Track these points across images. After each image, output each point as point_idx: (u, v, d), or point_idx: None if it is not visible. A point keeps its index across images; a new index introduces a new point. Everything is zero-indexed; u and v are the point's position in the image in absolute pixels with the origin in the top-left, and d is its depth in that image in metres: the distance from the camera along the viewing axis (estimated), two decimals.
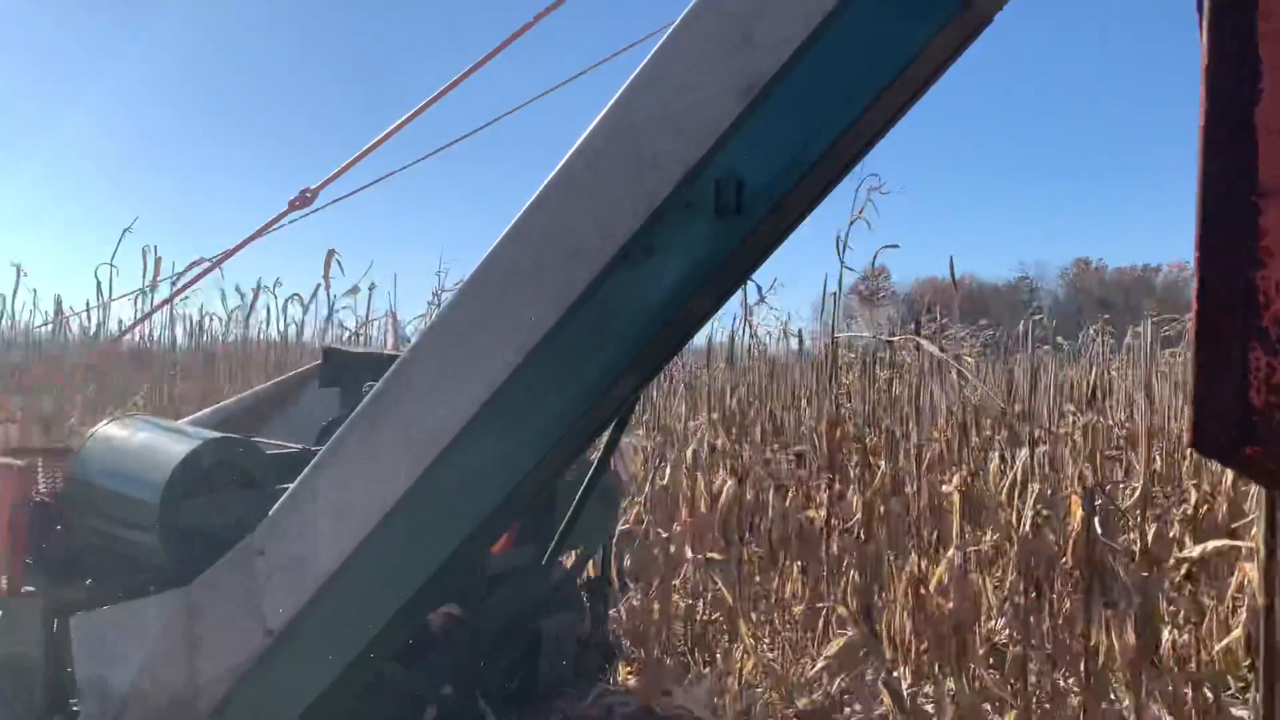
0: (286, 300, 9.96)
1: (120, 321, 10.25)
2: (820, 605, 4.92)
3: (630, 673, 4.59)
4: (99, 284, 9.33)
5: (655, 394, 7.29)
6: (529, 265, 2.16)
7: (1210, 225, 1.20)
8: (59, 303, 10.05)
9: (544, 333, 2.11)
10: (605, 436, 3.06)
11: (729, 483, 5.31)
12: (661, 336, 2.20)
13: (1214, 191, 1.20)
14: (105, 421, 2.65)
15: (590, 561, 3.84)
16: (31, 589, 2.61)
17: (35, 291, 14.61)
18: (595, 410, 2.26)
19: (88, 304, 9.90)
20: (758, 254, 2.27)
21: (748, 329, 6.89)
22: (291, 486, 2.34)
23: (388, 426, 2.26)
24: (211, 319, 10.46)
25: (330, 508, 2.30)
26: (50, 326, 9.45)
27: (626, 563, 4.95)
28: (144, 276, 9.50)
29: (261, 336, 9.90)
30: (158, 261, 9.01)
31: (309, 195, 2.61)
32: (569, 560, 3.73)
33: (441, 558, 2.26)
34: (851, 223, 4.89)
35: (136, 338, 9.78)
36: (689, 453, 5.68)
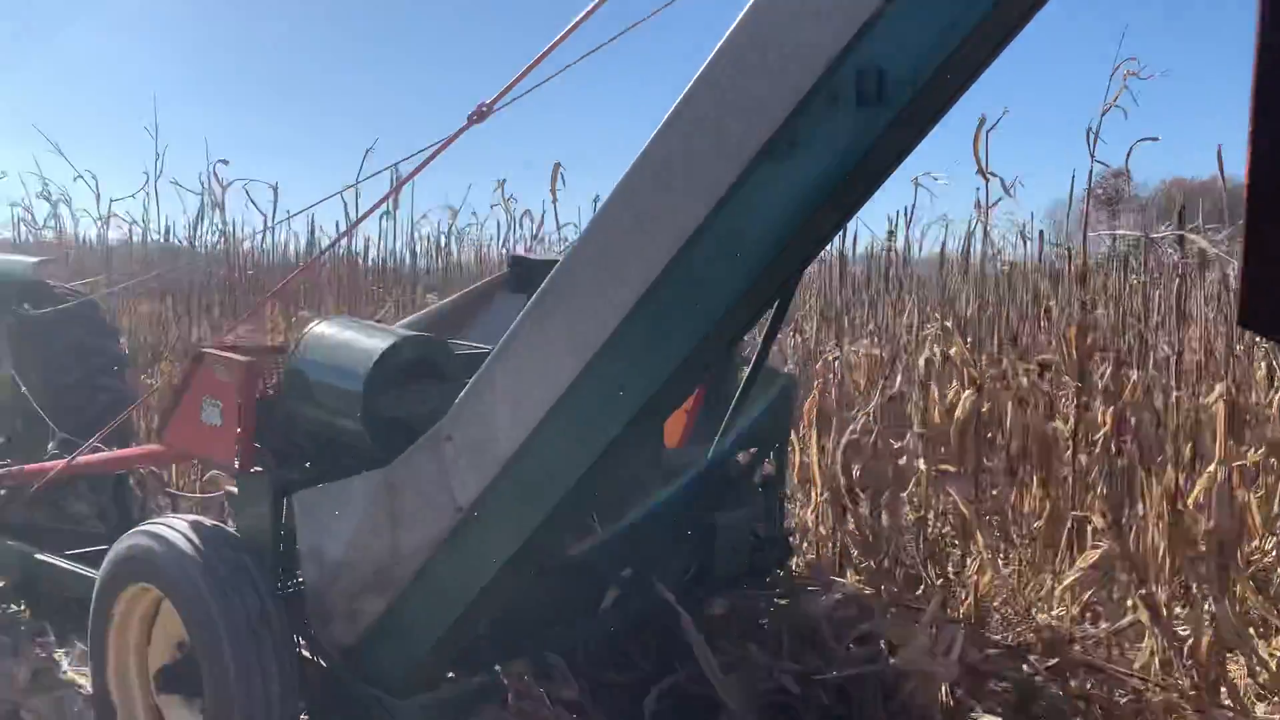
0: (519, 216, 10.75)
1: (367, 239, 11.36)
2: (1062, 520, 4.89)
3: (859, 581, 4.76)
4: (345, 205, 10.42)
5: (880, 300, 7.31)
6: (678, 163, 2.31)
7: (1266, 97, 1.21)
8: (311, 223, 11.26)
9: (694, 227, 2.26)
10: (764, 332, 3.21)
11: (965, 392, 5.29)
12: (810, 228, 2.31)
13: (1273, 61, 1.21)
14: (316, 321, 3.04)
15: (765, 461, 4.02)
16: (260, 469, 3.07)
17: (289, 212, 16.27)
18: (747, 300, 2.39)
19: (337, 225, 11.07)
20: (905, 143, 2.33)
21: (982, 232, 6.74)
22: (473, 378, 2.63)
23: (554, 321, 2.49)
24: (446, 238, 11.42)
25: (506, 397, 2.56)
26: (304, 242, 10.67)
27: (855, 473, 5.09)
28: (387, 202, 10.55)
29: (489, 252, 10.72)
30: (398, 181, 9.95)
31: (485, 109, 2.89)
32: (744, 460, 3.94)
33: (606, 442, 2.47)
34: (1104, 112, 4.71)
35: (381, 258, 10.86)
36: (921, 361, 5.71)
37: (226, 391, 3.04)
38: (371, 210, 3.76)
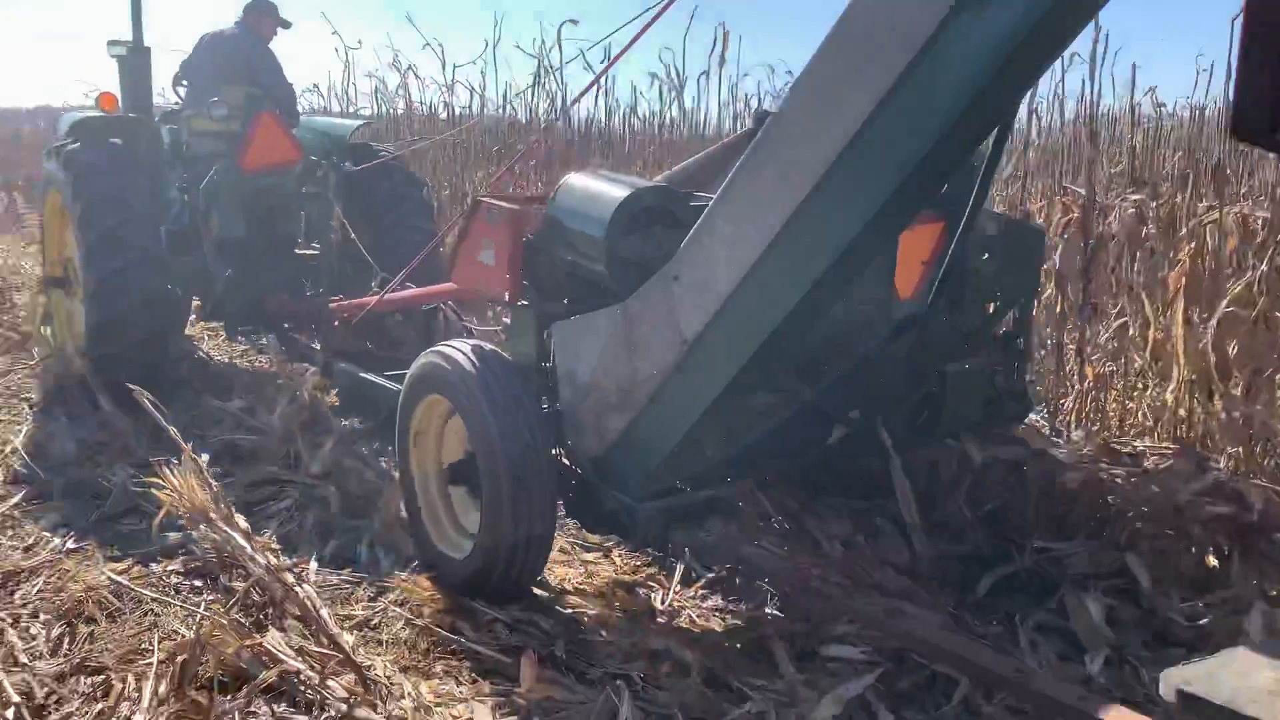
0: None
1: (688, 103, 12.22)
2: None
3: (1225, 468, 4.73)
4: (665, 66, 11.34)
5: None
6: (880, 18, 2.70)
7: None
8: (634, 89, 12.23)
9: (895, 78, 2.64)
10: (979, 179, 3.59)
11: None
12: (1010, 71, 2.66)
13: None
14: (571, 174, 3.67)
15: (1010, 315, 4.32)
16: (526, 303, 3.74)
17: (612, 75, 17.57)
18: (942, 151, 2.78)
19: (661, 86, 11.95)
20: None
21: None
22: (697, 222, 3.12)
23: (767, 168, 2.93)
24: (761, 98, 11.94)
25: (725, 240, 3.05)
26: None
27: (1231, 351, 5.04)
28: (708, 58, 11.29)
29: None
30: (725, 35, 10.73)
31: None
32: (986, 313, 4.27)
33: (812, 281, 2.96)
34: None
35: (697, 119, 11.72)
36: None
37: (499, 235, 3.76)
38: (592, 84, 4.45)
